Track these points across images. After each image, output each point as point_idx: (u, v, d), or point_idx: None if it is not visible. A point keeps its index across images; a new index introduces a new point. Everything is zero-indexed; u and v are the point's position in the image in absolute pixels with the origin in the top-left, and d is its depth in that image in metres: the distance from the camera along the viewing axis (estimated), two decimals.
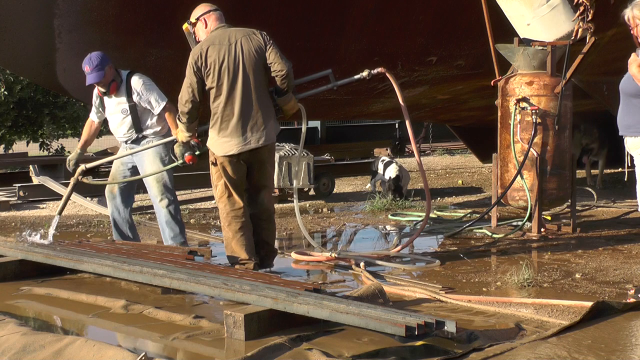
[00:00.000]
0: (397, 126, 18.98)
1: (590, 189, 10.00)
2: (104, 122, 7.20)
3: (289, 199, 10.19)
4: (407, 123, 6.68)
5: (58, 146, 17.39)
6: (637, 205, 5.79)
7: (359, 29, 9.49)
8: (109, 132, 7.57)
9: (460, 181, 12.64)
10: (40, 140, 16.72)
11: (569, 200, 7.96)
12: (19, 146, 17.94)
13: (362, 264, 6.25)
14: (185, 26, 6.20)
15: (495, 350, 4.04)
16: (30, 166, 11.63)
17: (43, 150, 16.96)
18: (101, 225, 8.69)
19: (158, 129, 6.82)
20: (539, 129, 7.51)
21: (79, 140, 7.69)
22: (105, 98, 6.86)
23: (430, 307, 5.14)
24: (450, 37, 9.91)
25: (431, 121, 17.34)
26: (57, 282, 5.90)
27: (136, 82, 6.74)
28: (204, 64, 5.87)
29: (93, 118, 7.07)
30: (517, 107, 7.52)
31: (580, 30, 7.22)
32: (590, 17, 7.12)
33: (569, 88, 7.64)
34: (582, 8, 7.13)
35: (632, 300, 5.06)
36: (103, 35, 8.16)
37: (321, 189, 10.85)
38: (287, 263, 6.65)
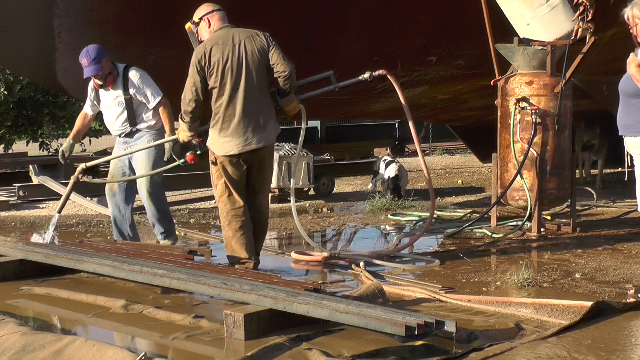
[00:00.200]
0: (397, 126, 18.95)
1: (590, 189, 10.00)
2: (99, 116, 7.24)
3: (288, 199, 10.17)
4: (411, 124, 6.68)
5: (58, 146, 17.35)
6: (637, 205, 5.78)
7: (359, 29, 9.49)
8: (109, 132, 7.57)
9: (460, 181, 12.63)
10: (40, 140, 16.72)
11: (569, 200, 7.97)
12: (19, 146, 17.94)
13: (362, 263, 6.25)
14: (188, 26, 6.20)
15: (495, 350, 4.04)
16: (30, 166, 11.62)
17: (43, 150, 16.96)
18: (101, 225, 8.69)
19: (152, 123, 6.88)
20: (539, 129, 7.50)
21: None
22: (102, 91, 6.91)
23: (430, 307, 5.14)
24: (450, 37, 9.91)
25: (431, 121, 17.33)
26: (57, 282, 5.90)
27: (134, 75, 6.82)
28: (207, 64, 5.87)
29: (87, 110, 7.11)
30: (517, 107, 7.52)
31: (580, 30, 7.22)
32: (590, 17, 7.12)
33: (569, 88, 7.64)
34: (582, 8, 7.13)
35: (632, 300, 5.06)
36: (103, 35, 8.14)
37: (321, 189, 10.84)
38: (287, 263, 6.65)
